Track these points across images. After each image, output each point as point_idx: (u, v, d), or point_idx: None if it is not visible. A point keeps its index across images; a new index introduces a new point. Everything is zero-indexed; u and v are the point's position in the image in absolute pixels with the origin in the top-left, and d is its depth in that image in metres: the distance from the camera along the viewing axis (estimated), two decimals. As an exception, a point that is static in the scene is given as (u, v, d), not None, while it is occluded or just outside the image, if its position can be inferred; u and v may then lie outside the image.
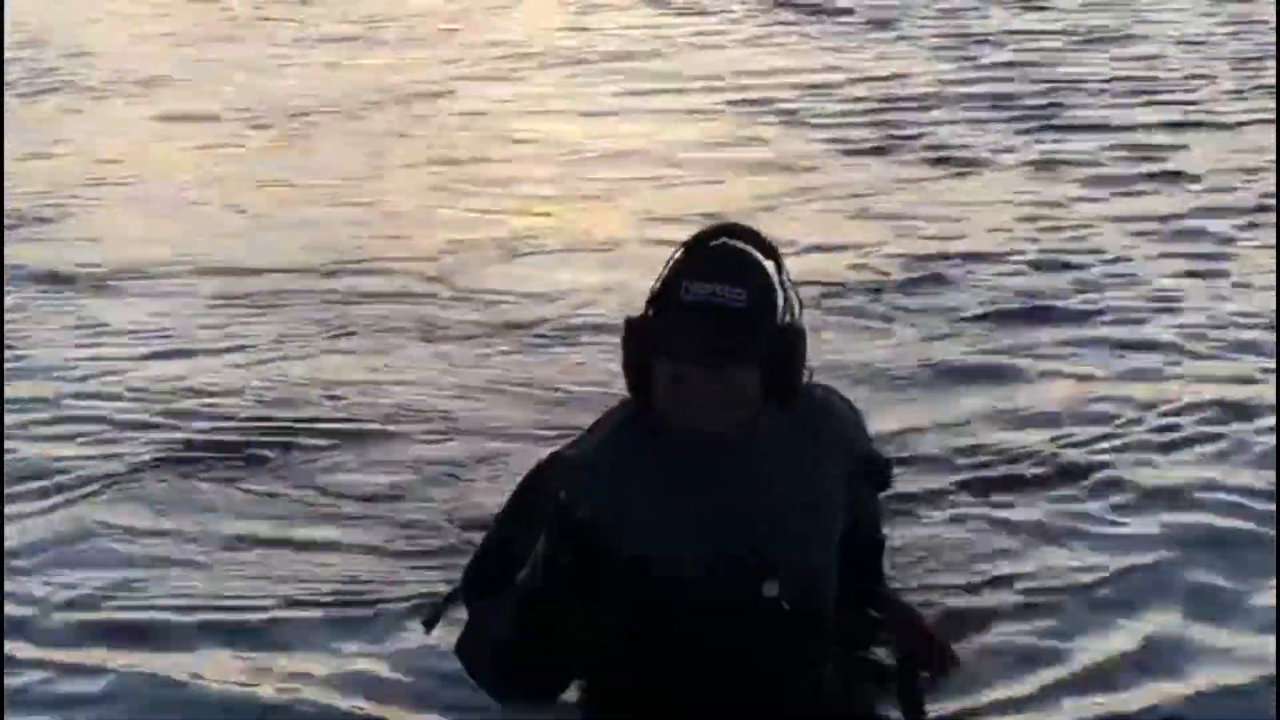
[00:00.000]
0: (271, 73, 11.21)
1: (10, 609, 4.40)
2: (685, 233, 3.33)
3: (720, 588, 3.16)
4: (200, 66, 11.35)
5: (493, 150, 9.36)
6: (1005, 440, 5.39)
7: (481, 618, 3.27)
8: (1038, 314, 6.63)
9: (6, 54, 10.95)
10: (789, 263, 3.27)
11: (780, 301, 3.17)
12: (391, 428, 5.63)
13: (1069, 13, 12.28)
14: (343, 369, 6.23)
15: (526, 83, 10.99)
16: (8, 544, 4.74)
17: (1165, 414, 5.59)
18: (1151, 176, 8.53)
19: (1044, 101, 10.00)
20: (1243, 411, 5.57)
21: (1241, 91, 10.13)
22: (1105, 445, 5.36)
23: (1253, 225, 7.66)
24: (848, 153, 9.14)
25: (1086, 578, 4.47)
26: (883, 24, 12.10)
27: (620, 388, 3.33)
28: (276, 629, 4.34)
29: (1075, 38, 11.59)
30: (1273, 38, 11.09)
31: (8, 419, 5.62)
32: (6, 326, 6.54)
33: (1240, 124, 9.45)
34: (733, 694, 3.19)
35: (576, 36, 12.18)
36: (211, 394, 5.96)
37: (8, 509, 4.96)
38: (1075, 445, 5.35)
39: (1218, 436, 5.40)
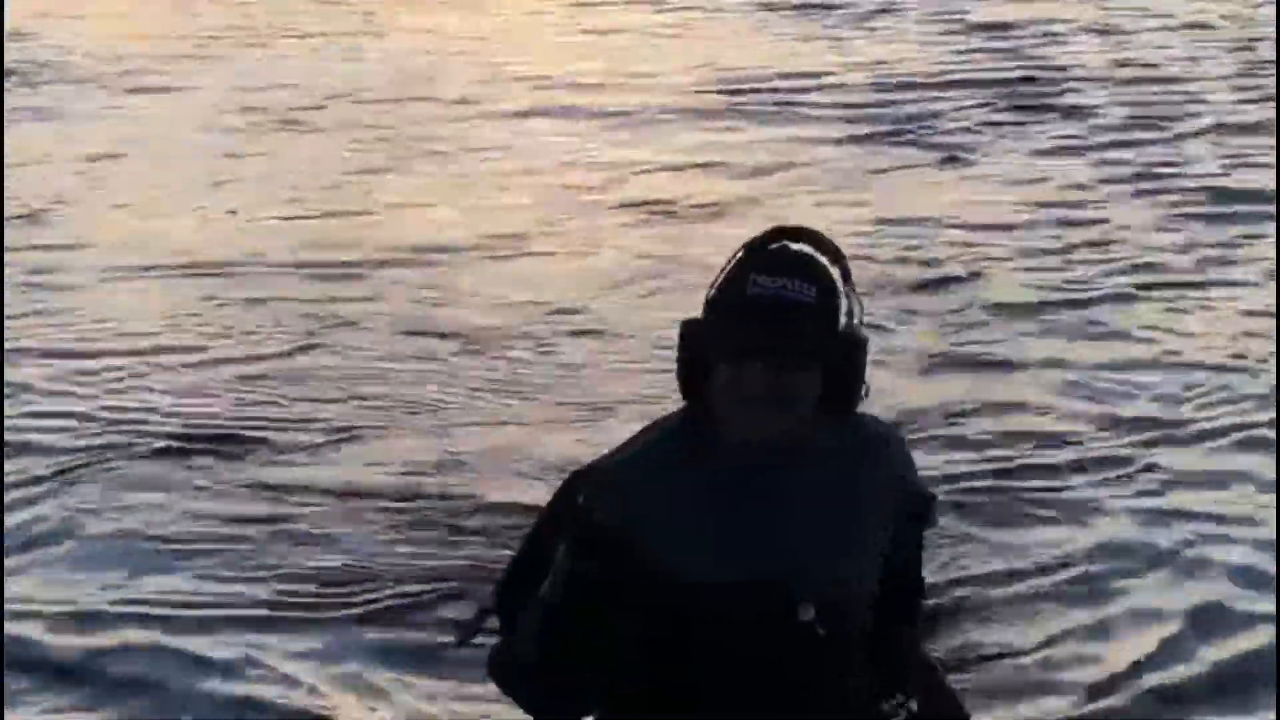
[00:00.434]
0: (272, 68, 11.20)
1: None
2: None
3: (751, 606, 3.07)
4: (194, 60, 11.35)
5: (481, 144, 9.36)
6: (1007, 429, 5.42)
7: (511, 634, 3.20)
8: (1038, 305, 6.63)
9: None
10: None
11: (844, 307, 3.08)
12: (379, 424, 5.62)
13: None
14: (330, 365, 6.22)
15: (510, 68, 10.98)
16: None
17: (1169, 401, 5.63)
18: (1150, 165, 8.54)
19: (1039, 88, 10.02)
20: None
21: (1241, 77, 10.11)
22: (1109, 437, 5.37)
23: (1256, 216, 7.63)
24: (843, 141, 9.15)
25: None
26: (876, 13, 12.07)
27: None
28: (263, 623, 4.34)
29: (1074, 24, 11.57)
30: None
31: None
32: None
33: (1240, 107, 9.46)
34: (756, 709, 3.10)
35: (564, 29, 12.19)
36: (194, 390, 5.96)
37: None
38: (1080, 438, 5.37)
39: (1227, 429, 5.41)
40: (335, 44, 11.64)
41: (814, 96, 9.98)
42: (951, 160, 8.76)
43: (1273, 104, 9.45)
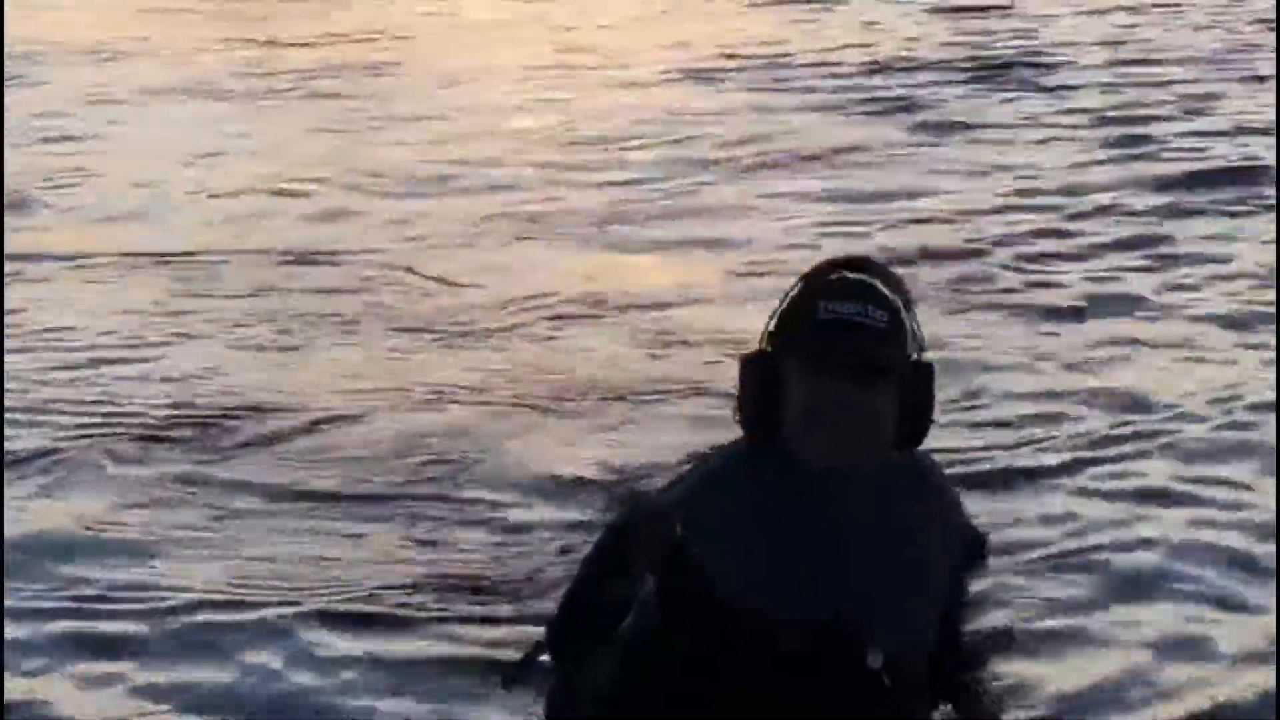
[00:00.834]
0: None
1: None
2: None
3: (820, 648, 3.01)
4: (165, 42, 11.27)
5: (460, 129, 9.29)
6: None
7: (576, 672, 3.10)
8: (1023, 288, 6.62)
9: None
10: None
11: (911, 333, 3.05)
12: (353, 418, 5.54)
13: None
14: (303, 359, 6.14)
15: (484, 51, 10.93)
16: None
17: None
18: (1135, 139, 8.52)
19: (1031, 65, 9.98)
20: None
21: (1229, 59, 10.06)
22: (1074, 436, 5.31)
23: (1241, 199, 7.60)
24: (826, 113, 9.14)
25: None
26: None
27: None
28: (239, 624, 4.27)
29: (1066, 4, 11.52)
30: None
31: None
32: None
33: (1230, 86, 9.43)
34: None
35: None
36: (170, 381, 5.86)
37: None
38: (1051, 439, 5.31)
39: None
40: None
41: (795, 73, 9.96)
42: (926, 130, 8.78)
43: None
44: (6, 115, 9.00)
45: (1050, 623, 4.21)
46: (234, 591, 4.42)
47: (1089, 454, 5.15)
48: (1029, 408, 5.49)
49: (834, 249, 6.60)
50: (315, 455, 5.26)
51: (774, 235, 7.30)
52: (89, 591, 4.44)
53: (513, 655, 3.45)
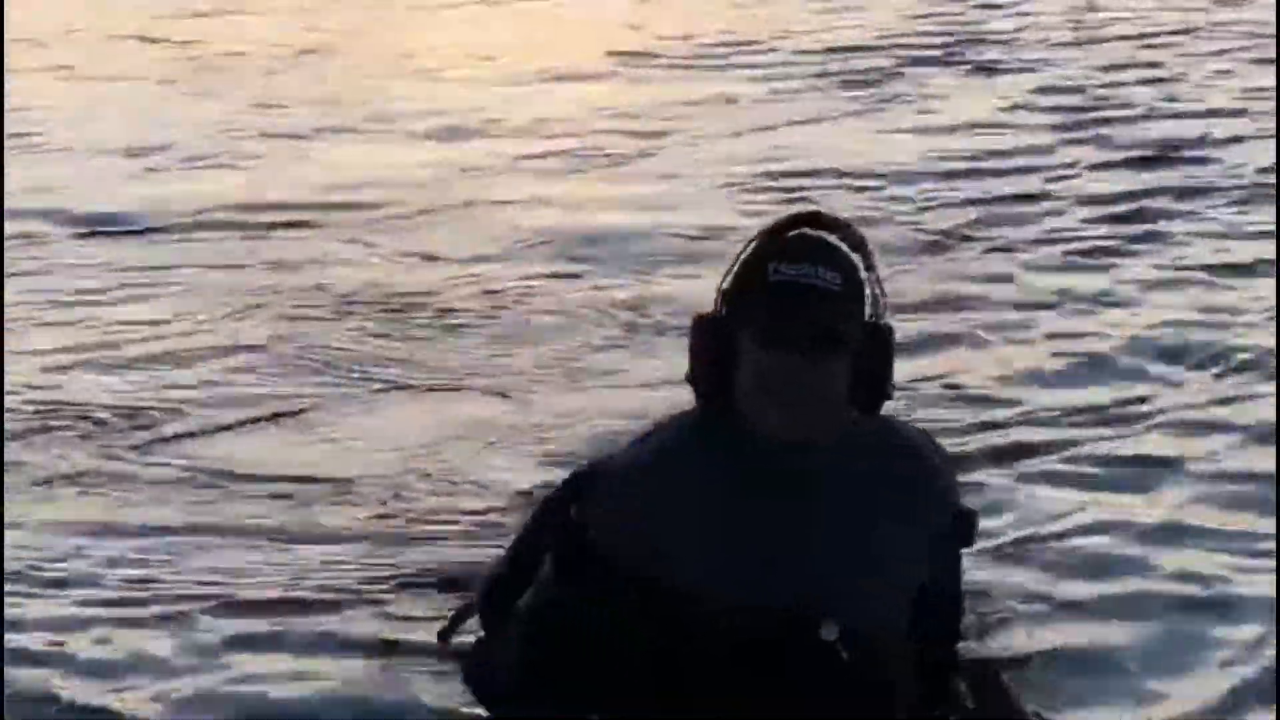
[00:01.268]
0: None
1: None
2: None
3: (769, 627, 2.89)
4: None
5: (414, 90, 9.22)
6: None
7: (491, 641, 3.06)
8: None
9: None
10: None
11: (870, 297, 2.93)
12: (312, 403, 5.43)
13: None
14: (260, 339, 6.00)
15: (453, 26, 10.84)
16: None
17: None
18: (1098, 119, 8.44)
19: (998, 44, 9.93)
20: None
21: (1200, 29, 10.00)
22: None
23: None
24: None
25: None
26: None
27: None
28: (195, 620, 4.14)
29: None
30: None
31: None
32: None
33: (1201, 60, 9.37)
34: None
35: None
36: (118, 367, 5.73)
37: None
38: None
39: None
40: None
41: (761, 57, 9.85)
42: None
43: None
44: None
45: (1034, 608, 4.10)
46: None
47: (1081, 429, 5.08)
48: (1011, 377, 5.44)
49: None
50: (272, 444, 5.15)
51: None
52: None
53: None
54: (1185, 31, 9.98)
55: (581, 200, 7.45)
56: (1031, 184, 7.46)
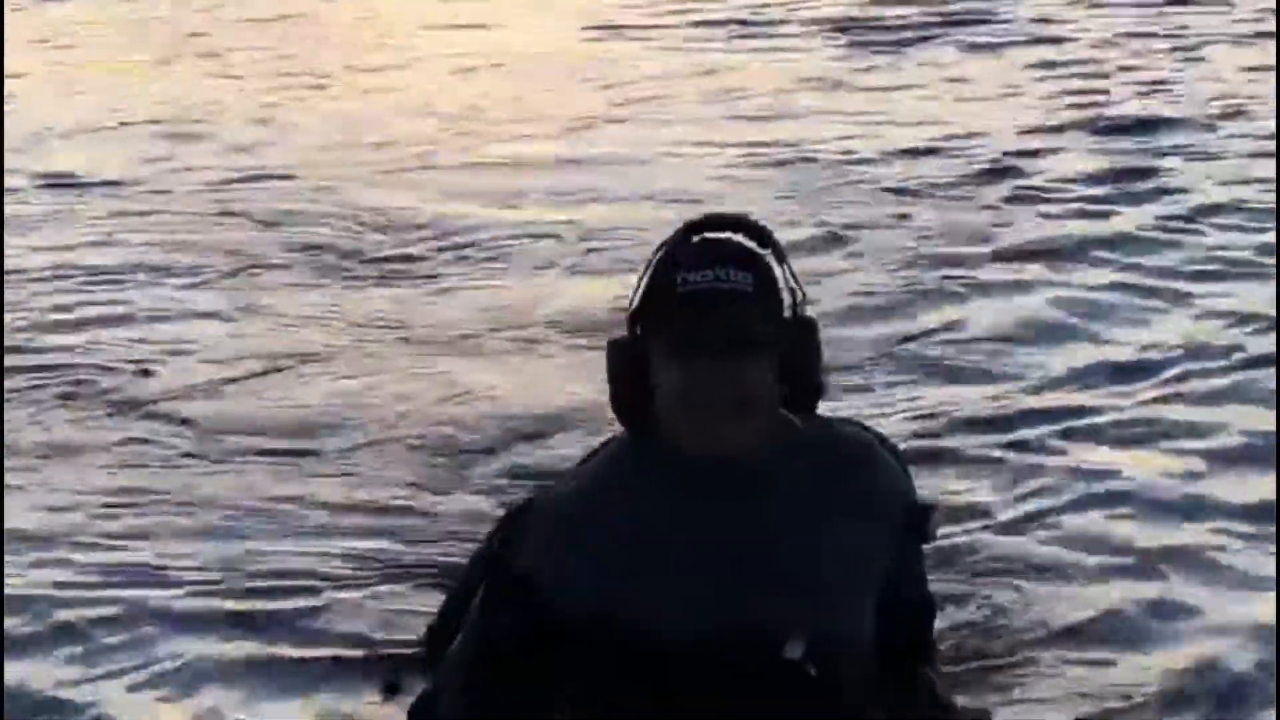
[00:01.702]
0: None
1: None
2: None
3: (725, 654, 2.73)
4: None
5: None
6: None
7: (434, 692, 2.88)
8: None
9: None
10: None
11: (786, 293, 2.80)
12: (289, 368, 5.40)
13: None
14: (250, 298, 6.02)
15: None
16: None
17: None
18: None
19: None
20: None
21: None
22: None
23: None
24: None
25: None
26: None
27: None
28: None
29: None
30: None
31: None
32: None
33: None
34: None
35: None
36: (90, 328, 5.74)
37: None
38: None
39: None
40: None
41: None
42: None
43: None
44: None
45: (1028, 586, 3.98)
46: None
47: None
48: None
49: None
50: (248, 410, 5.12)
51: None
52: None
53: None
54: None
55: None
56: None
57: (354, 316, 5.82)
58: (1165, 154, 7.33)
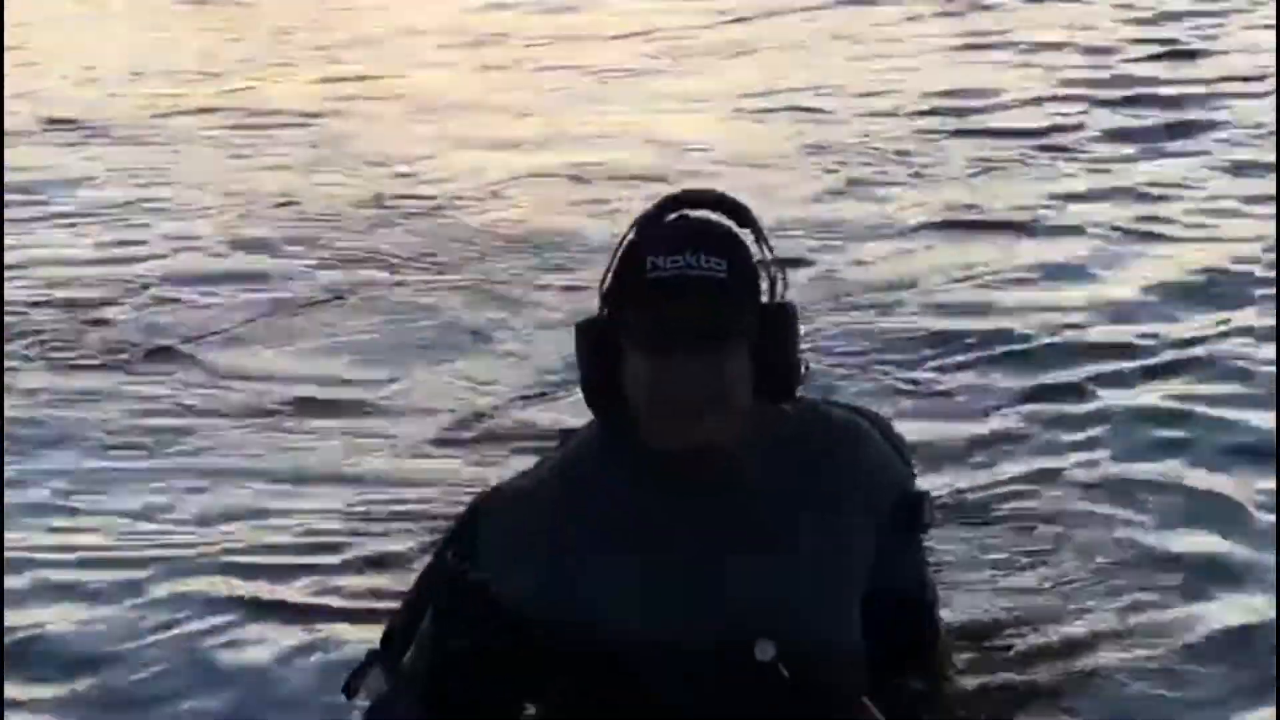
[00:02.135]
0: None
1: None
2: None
3: (694, 657, 2.62)
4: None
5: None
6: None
7: (392, 698, 2.73)
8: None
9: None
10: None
11: (763, 276, 2.65)
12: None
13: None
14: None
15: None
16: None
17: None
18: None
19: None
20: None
21: None
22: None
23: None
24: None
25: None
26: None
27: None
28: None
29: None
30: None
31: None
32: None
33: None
34: None
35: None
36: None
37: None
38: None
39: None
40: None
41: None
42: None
43: None
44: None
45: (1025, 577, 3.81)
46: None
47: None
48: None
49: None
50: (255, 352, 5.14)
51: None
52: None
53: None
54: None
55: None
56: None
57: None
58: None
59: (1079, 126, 7.12)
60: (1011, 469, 4.23)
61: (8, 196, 6.33)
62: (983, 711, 3.13)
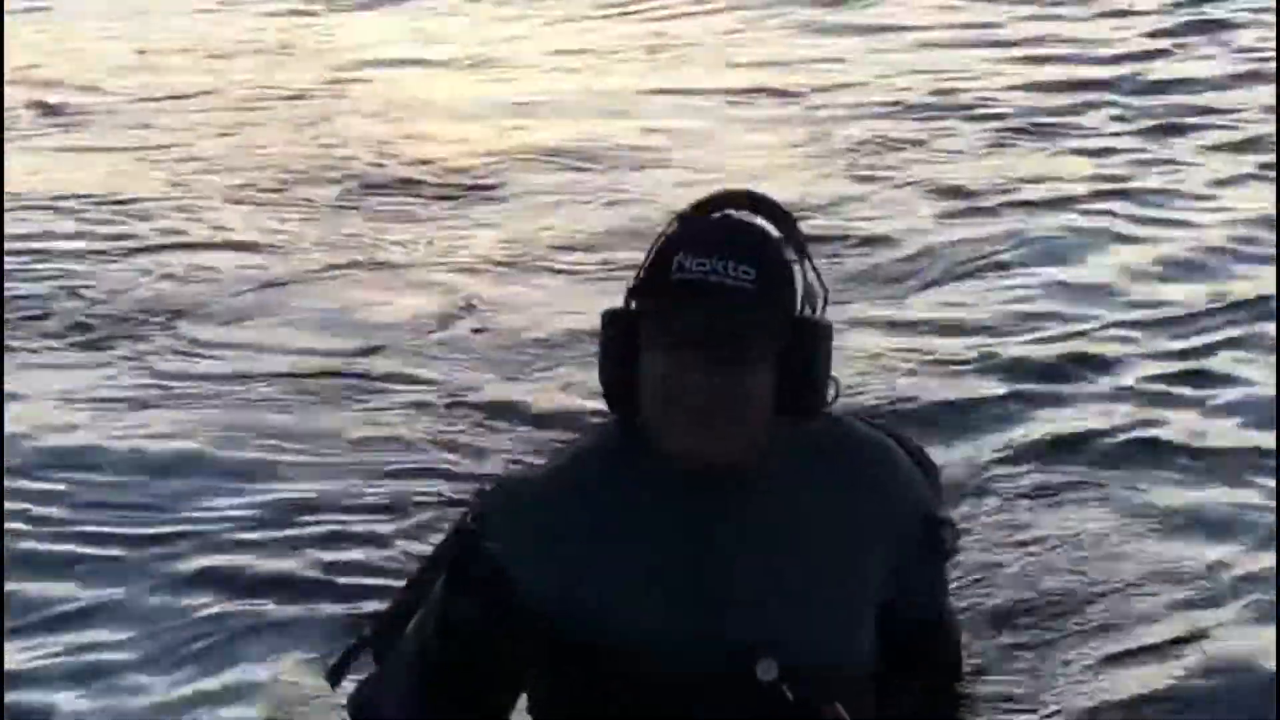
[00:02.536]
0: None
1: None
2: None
3: (696, 669, 2.56)
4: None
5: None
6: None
7: (380, 680, 2.67)
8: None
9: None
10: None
11: (799, 288, 2.57)
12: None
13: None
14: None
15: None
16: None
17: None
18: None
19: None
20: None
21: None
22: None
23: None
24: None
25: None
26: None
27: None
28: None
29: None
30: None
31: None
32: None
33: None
34: None
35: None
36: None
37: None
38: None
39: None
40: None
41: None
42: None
43: None
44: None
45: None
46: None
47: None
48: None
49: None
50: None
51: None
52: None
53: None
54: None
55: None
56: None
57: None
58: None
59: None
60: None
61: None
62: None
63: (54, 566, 3.88)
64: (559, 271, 5.57)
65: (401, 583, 2.68)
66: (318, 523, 4.02)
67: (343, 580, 3.78)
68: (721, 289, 2.47)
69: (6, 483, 4.16)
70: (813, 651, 2.57)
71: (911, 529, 2.68)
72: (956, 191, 6.19)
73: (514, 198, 6.25)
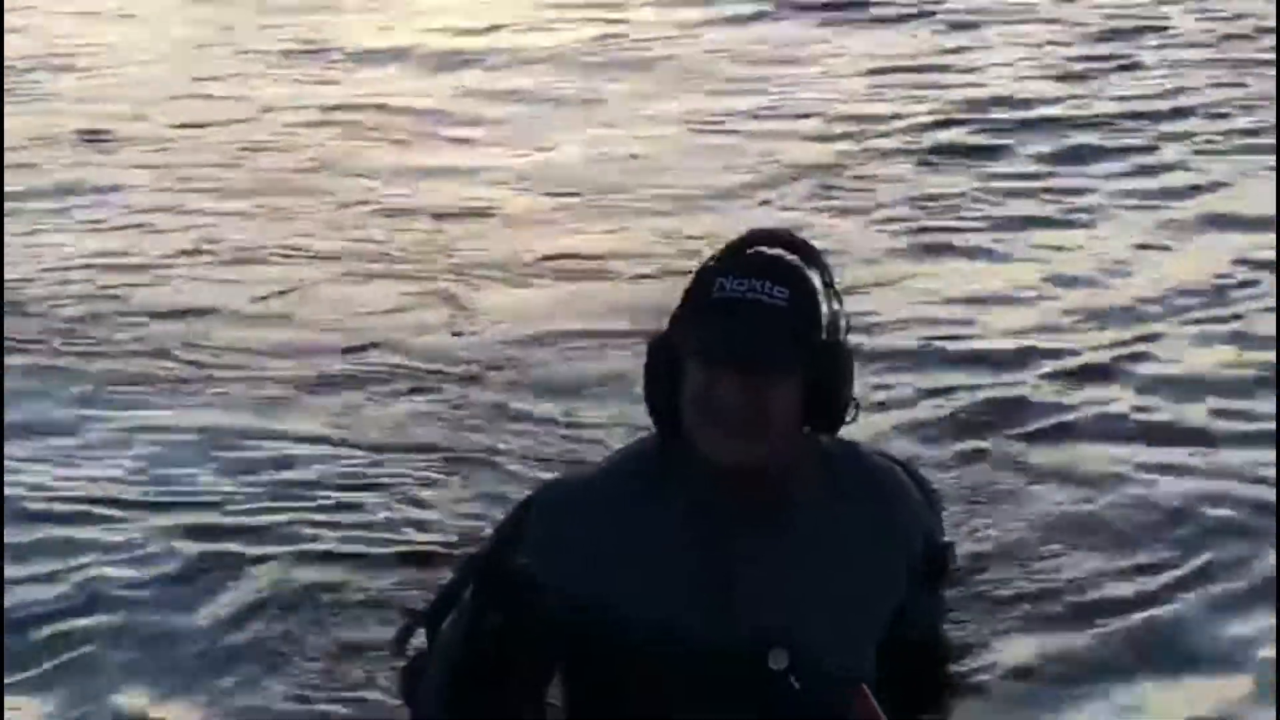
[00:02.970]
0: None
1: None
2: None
3: (716, 658, 2.78)
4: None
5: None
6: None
7: (420, 675, 2.85)
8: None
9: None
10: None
11: (825, 314, 2.83)
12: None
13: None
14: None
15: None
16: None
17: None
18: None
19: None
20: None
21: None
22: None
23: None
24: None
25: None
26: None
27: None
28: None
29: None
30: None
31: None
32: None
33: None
34: None
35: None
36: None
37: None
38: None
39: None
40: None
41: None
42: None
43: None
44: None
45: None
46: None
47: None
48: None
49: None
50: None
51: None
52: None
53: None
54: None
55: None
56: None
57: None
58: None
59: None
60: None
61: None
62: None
63: (57, 554, 3.93)
64: (552, 279, 5.61)
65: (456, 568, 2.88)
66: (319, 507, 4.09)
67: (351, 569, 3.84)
68: (759, 305, 2.74)
69: (7, 481, 4.20)
70: (824, 655, 2.78)
71: (916, 553, 2.92)
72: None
73: (507, 215, 6.26)
